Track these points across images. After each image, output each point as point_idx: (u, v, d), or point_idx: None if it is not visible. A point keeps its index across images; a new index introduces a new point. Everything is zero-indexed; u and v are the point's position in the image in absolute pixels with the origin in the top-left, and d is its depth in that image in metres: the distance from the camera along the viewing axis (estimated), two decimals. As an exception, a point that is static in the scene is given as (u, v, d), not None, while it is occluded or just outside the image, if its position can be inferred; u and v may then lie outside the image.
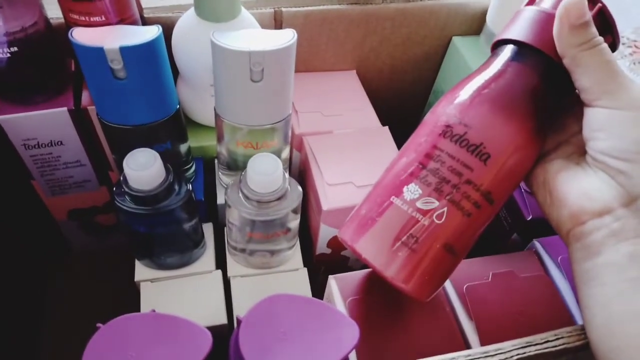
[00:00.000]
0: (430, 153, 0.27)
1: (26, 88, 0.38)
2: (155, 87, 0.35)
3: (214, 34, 0.33)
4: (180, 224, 0.37)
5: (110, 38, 0.32)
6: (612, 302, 0.24)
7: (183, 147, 0.41)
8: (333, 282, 0.33)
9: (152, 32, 0.33)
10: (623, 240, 0.25)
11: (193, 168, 0.44)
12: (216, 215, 0.45)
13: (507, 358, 0.25)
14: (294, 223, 0.39)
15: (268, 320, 0.28)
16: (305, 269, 0.41)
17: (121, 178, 0.34)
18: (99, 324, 0.27)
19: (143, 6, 0.42)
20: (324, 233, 0.42)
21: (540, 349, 0.26)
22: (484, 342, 0.31)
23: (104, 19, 0.36)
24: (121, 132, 0.36)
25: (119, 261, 0.44)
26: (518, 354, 0.25)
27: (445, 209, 0.26)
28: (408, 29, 0.51)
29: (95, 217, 0.51)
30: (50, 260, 0.56)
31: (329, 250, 0.45)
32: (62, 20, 0.38)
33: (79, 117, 0.40)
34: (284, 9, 0.46)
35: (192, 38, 0.39)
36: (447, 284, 0.34)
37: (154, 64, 0.34)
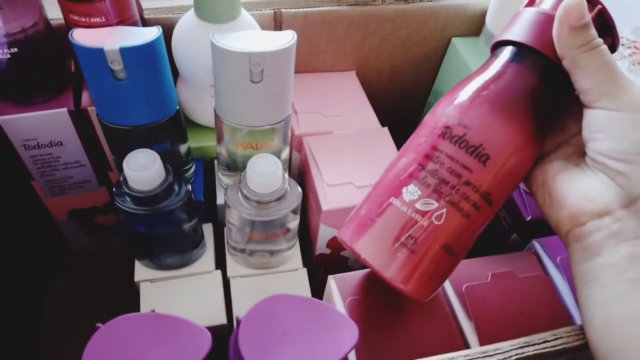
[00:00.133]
0: (430, 154, 0.27)
1: (26, 89, 0.38)
2: (155, 88, 0.35)
3: (214, 35, 0.33)
4: (180, 224, 0.37)
5: (111, 39, 0.32)
6: (612, 303, 0.25)
7: (183, 148, 0.41)
8: (332, 282, 0.33)
9: (152, 33, 0.33)
10: (622, 241, 0.25)
11: (193, 169, 0.44)
12: (216, 216, 0.45)
13: (505, 358, 0.25)
14: (294, 223, 0.39)
15: (268, 320, 0.28)
16: (305, 269, 0.41)
17: (121, 178, 0.34)
18: (98, 324, 0.27)
19: (143, 7, 0.42)
20: (324, 233, 0.42)
21: (538, 349, 0.26)
22: (483, 342, 0.31)
23: (104, 20, 0.36)
24: (121, 132, 0.36)
25: (119, 261, 0.44)
26: (516, 354, 0.26)
27: (445, 210, 0.27)
28: (408, 30, 0.51)
29: (95, 218, 0.51)
30: (50, 260, 0.56)
31: (328, 251, 0.45)
32: (62, 21, 0.38)
33: (79, 117, 0.40)
34: (283, 10, 0.46)
35: (192, 39, 0.39)
36: (447, 284, 0.34)
37: (154, 64, 0.34)
